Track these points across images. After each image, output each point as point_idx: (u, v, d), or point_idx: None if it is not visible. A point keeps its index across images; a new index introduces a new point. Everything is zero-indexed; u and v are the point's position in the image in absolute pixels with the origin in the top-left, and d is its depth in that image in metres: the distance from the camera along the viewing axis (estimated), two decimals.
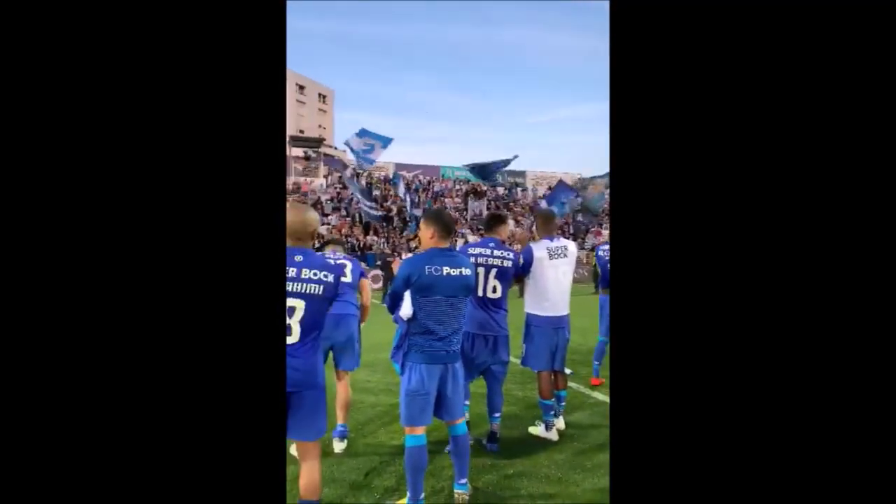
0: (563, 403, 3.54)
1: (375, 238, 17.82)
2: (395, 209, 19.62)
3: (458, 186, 23.92)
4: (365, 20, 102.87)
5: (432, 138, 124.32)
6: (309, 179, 22.31)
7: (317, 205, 18.94)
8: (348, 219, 19.03)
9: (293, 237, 2.05)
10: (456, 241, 17.84)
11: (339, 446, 3.06)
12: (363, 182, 19.54)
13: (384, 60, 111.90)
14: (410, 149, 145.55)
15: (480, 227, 20.45)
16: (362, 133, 8.21)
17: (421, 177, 24.21)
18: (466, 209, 21.48)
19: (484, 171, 7.22)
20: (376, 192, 19.52)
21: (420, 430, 2.34)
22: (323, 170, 23.63)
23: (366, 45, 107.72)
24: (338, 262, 3.13)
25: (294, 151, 24.05)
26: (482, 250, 3.06)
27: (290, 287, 1.95)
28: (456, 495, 2.42)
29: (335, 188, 21.70)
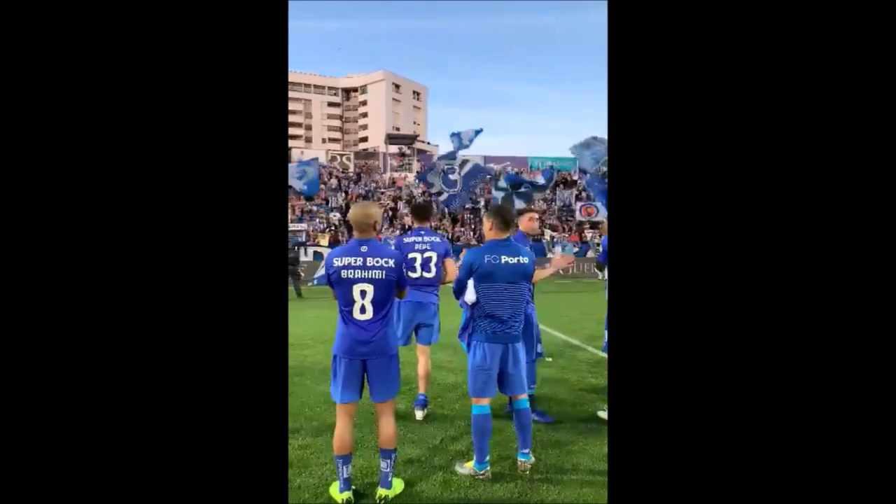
0: None
1: (462, 229, 18.35)
2: (482, 201, 19.92)
3: None
4: (455, 16, 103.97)
5: (520, 129, 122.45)
6: (404, 175, 23.46)
7: (410, 199, 19.94)
8: (437, 213, 19.71)
9: (358, 229, 2.45)
10: (544, 231, 17.57)
11: (419, 414, 3.49)
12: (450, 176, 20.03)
13: (474, 55, 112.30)
14: (498, 140, 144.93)
15: (570, 218, 19.96)
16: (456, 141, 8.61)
17: (510, 168, 24.19)
18: (554, 200, 21.06)
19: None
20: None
21: (485, 401, 2.65)
22: (416, 165, 24.68)
23: (457, 40, 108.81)
24: (425, 253, 3.47)
25: (390, 149, 25.45)
26: None
27: (360, 274, 2.36)
28: (519, 463, 2.70)
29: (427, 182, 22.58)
